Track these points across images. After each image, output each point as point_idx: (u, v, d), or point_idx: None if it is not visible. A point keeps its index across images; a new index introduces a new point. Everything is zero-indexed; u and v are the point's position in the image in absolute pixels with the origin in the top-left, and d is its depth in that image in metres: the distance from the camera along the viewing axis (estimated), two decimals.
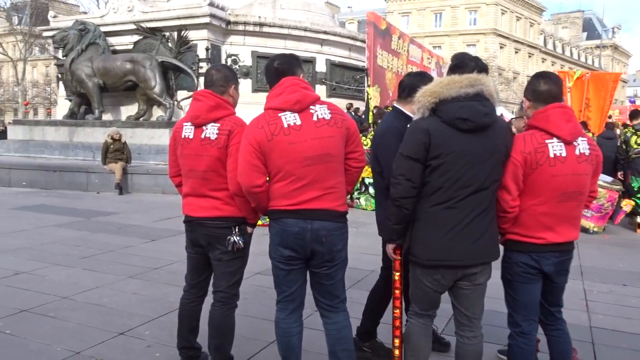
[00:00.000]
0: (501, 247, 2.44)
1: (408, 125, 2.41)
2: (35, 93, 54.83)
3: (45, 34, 15.93)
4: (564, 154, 2.30)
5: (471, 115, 2.19)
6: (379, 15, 13.82)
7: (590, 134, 9.45)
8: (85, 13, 34.93)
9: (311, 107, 2.36)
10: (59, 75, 14.45)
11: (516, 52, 53.30)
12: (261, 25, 12.85)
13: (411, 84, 2.74)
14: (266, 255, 2.55)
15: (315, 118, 2.34)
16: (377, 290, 3.10)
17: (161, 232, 6.39)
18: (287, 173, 2.32)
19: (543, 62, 57.34)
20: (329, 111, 2.37)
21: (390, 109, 9.81)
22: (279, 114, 2.33)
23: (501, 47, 50.69)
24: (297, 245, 2.35)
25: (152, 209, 8.19)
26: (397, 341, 2.58)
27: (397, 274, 2.55)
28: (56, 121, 13.72)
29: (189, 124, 2.57)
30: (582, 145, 2.35)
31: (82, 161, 11.35)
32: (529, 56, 55.34)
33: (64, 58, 12.68)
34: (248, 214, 2.54)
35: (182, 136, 2.58)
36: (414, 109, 2.43)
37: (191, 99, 10.19)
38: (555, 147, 2.30)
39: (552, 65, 57.63)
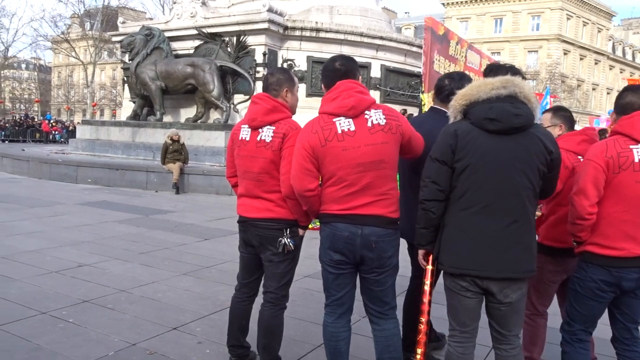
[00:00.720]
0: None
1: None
2: (103, 95, 57.75)
3: (114, 39, 16.80)
4: None
5: (499, 115, 2.10)
6: (437, 21, 13.58)
7: None
8: (151, 19, 36.46)
9: (366, 112, 2.35)
10: (125, 78, 15.15)
11: (581, 59, 51.03)
12: (318, 30, 12.97)
13: (451, 87, 2.72)
14: (315, 258, 2.57)
15: (369, 124, 2.33)
16: (409, 301, 3.03)
17: (214, 231, 6.56)
18: (340, 178, 2.33)
19: (611, 69, 54.63)
20: (384, 116, 2.35)
21: None
22: (334, 119, 2.35)
23: (565, 54, 48.69)
24: (347, 250, 2.35)
25: (206, 208, 8.42)
26: (419, 352, 2.45)
27: (427, 282, 2.47)
28: (120, 122, 14.38)
29: (247, 126, 2.63)
30: None
31: (143, 161, 11.82)
32: (596, 63, 52.83)
33: (130, 62, 13.28)
34: (300, 216, 2.57)
35: (240, 138, 2.65)
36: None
37: (248, 102, 10.44)
38: None
39: (621, 72, 54.76)
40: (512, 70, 2.40)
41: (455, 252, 2.20)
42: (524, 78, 2.37)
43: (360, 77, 2.50)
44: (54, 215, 7.16)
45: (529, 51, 48.22)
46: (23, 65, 68.76)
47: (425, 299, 2.50)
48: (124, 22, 15.88)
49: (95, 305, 3.72)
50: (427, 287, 2.49)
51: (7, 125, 33.46)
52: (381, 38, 13.57)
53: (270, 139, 2.53)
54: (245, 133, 2.63)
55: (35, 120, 39.75)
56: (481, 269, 2.15)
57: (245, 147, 2.61)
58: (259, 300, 2.79)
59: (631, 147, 2.25)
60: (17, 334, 3.15)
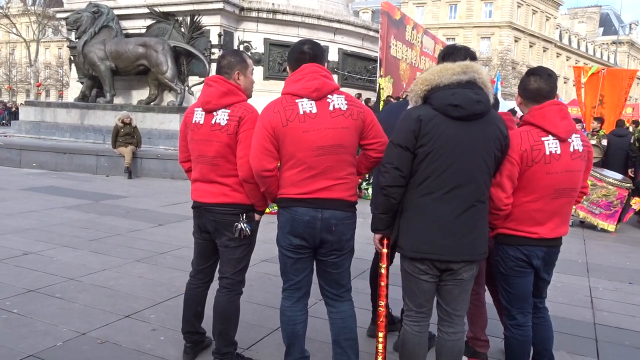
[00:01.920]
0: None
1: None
2: (48, 75, 55.06)
3: (58, 15, 15.95)
4: (558, 152, 2.32)
5: (462, 102, 2.13)
6: (394, 5, 13.68)
7: (602, 132, 9.34)
8: None
9: (329, 96, 2.33)
10: (72, 58, 14.48)
11: (531, 46, 52.68)
12: (274, 12, 12.77)
13: None
14: (272, 243, 2.55)
15: (331, 108, 2.31)
16: (375, 276, 3.08)
17: (169, 217, 6.42)
18: (299, 161, 2.31)
19: (558, 56, 56.65)
20: (346, 102, 2.35)
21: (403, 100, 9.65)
22: (296, 100, 2.32)
23: (516, 41, 50.11)
24: (307, 234, 2.35)
25: (160, 193, 8.23)
26: (381, 336, 2.52)
27: (384, 266, 2.50)
28: (67, 103, 13.77)
29: (200, 109, 2.56)
30: (575, 142, 2.37)
31: (93, 144, 11.42)
32: (544, 50, 54.67)
33: (77, 40, 12.70)
34: (257, 201, 2.53)
35: (193, 121, 2.58)
36: None
37: (202, 84, 10.24)
38: (551, 145, 2.32)
39: (567, 60, 56.91)
40: (468, 54, 2.44)
41: (415, 237, 2.23)
42: (476, 60, 2.40)
43: (326, 64, 2.47)
44: None
45: (482, 37, 49.32)
46: None
47: (383, 282, 2.54)
48: None
49: (42, 295, 3.58)
50: (383, 271, 2.52)
51: None
52: (338, 21, 13.52)
53: (226, 122, 2.48)
54: (199, 116, 2.56)
55: None
56: (441, 253, 2.19)
57: (199, 130, 2.54)
58: (214, 285, 2.75)
59: (543, 139, 2.32)
60: None
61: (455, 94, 2.14)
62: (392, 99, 9.86)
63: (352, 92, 12.72)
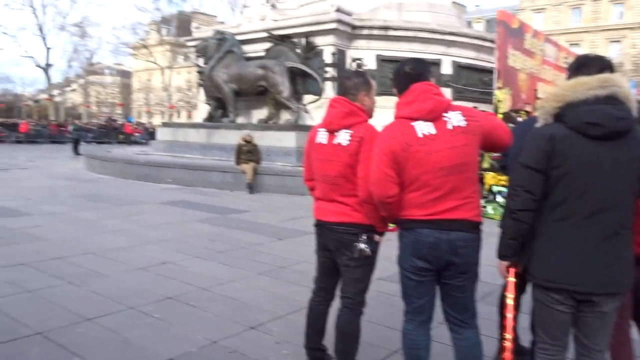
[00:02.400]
0: None
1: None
2: (179, 97, 60.34)
3: (189, 43, 17.47)
4: None
5: (602, 120, 1.93)
6: (511, 14, 13.05)
7: None
8: (222, 23, 37.64)
9: (444, 114, 2.29)
10: (200, 81, 15.74)
11: None
12: (386, 28, 12.83)
13: None
14: (390, 260, 2.53)
15: (450, 126, 2.26)
16: (503, 305, 2.91)
17: (288, 231, 6.66)
18: (423, 183, 2.27)
19: None
20: (464, 118, 2.29)
21: (523, 112, 9.14)
22: (412, 123, 2.30)
23: None
24: (432, 256, 2.30)
25: (279, 208, 8.57)
26: None
27: (511, 296, 2.35)
28: (197, 124, 14.95)
29: (324, 129, 2.64)
30: None
31: (218, 161, 12.22)
32: None
33: (205, 65, 13.77)
34: (377, 222, 2.53)
35: (316, 141, 2.66)
36: None
37: (318, 102, 10.52)
38: None
39: None
40: (603, 64, 2.20)
41: (550, 265, 2.07)
42: (613, 72, 2.18)
43: (432, 79, 2.43)
44: (138, 214, 7.57)
45: (611, 41, 45.14)
46: (107, 71, 73.30)
47: (510, 314, 2.39)
48: (197, 27, 16.55)
49: (178, 302, 3.88)
50: (510, 302, 2.38)
51: (93, 127, 35.83)
52: (452, 34, 13.21)
53: (347, 142, 2.52)
54: (322, 136, 2.63)
55: (118, 122, 42.26)
56: (581, 284, 2.02)
57: (322, 150, 2.61)
58: (336, 303, 2.79)
59: None
60: (108, 327, 3.34)
61: (593, 110, 1.97)
62: (512, 114, 9.34)
63: (467, 105, 12.28)
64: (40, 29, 43.03)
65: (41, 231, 6.12)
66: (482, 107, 12.86)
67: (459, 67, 13.37)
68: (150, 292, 4.08)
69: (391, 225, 2.58)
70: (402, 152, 2.28)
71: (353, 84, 2.61)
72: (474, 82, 13.67)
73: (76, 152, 20.83)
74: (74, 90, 69.94)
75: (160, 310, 3.70)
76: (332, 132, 2.59)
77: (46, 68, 43.97)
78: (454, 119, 2.27)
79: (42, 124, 35.22)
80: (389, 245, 2.45)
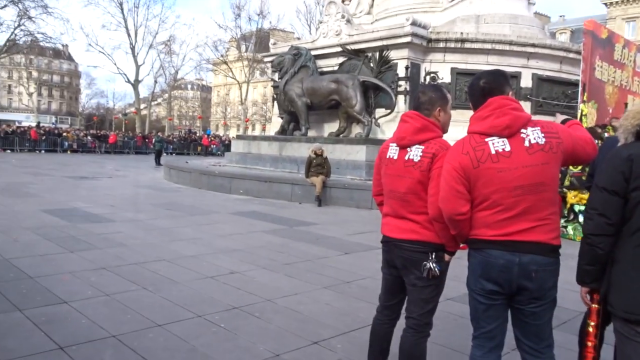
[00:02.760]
0: None
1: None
2: (254, 111, 62.29)
3: (266, 59, 18.02)
4: None
5: None
6: (599, 24, 12.30)
7: None
8: (298, 39, 38.55)
9: (522, 130, 2.16)
10: (274, 96, 16.16)
11: None
12: (463, 41, 12.54)
13: None
14: (458, 280, 2.42)
15: (527, 143, 2.13)
16: (584, 334, 2.68)
17: (354, 246, 6.60)
18: (494, 202, 2.15)
19: None
20: (543, 134, 2.14)
21: (610, 128, 8.54)
22: (486, 139, 2.19)
23: None
24: (502, 279, 2.16)
25: (346, 222, 8.54)
26: None
27: (592, 324, 2.16)
28: (269, 137, 15.34)
29: (395, 144, 2.58)
30: None
31: (289, 173, 12.44)
32: None
33: (280, 80, 14.12)
34: (447, 241, 2.43)
35: (387, 156, 2.60)
36: None
37: (389, 116, 10.41)
38: None
39: None
40: None
41: (630, 295, 1.90)
42: None
43: (510, 92, 2.30)
44: (210, 224, 7.82)
45: None
46: (189, 86, 77.25)
47: (590, 343, 2.20)
48: (275, 43, 17.00)
49: (244, 313, 3.93)
50: (591, 329, 2.19)
51: (174, 139, 37.79)
52: (532, 45, 12.68)
53: (419, 158, 2.45)
54: (393, 151, 2.57)
55: (197, 135, 44.27)
56: None
57: (393, 165, 2.55)
58: (401, 323, 2.70)
59: None
60: (177, 334, 3.44)
61: None
62: (598, 129, 8.76)
63: (547, 119, 11.69)
64: (132, 48, 46.30)
65: (122, 237, 6.48)
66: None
67: (539, 79, 12.79)
68: (218, 301, 4.17)
69: (462, 244, 2.47)
70: (472, 169, 2.18)
71: (428, 99, 2.54)
72: (556, 95, 13.01)
73: (158, 162, 22.02)
74: (158, 104, 74.27)
75: (226, 319, 3.76)
76: (403, 147, 2.53)
77: (135, 84, 47.14)
78: (533, 135, 2.14)
79: (128, 135, 37.64)
80: (459, 263, 2.34)
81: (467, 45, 12.54)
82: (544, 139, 2.13)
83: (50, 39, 39.05)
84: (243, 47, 50.41)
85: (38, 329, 3.39)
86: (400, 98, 12.50)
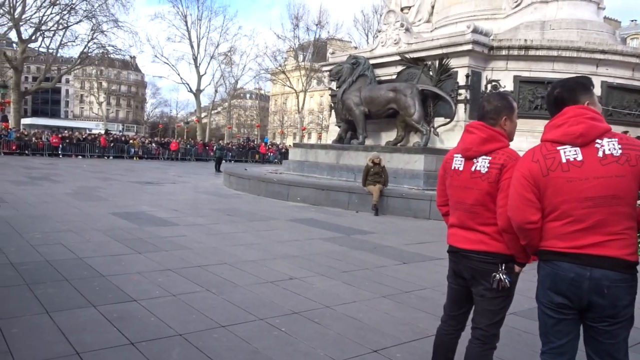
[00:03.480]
0: None
1: None
2: (311, 119, 62.98)
3: (323, 68, 18.23)
4: None
5: None
6: None
7: None
8: (356, 48, 38.73)
9: (597, 140, 2.08)
10: (332, 104, 16.29)
11: None
12: (526, 48, 12.18)
13: None
14: (522, 295, 2.37)
15: (600, 154, 2.06)
16: None
17: (413, 255, 6.53)
18: (564, 213, 2.09)
19: None
20: (620, 146, 2.06)
21: None
22: (558, 147, 2.13)
23: None
24: (572, 293, 2.09)
25: (404, 231, 8.46)
26: None
27: None
28: (326, 145, 15.46)
29: (460, 155, 2.56)
30: None
31: (345, 182, 12.48)
32: None
33: (337, 89, 14.23)
34: (517, 252, 2.37)
35: (452, 167, 2.57)
36: None
37: (448, 125, 10.27)
38: None
39: None
40: None
41: None
42: None
43: (588, 101, 2.22)
44: (269, 230, 7.97)
45: None
46: (247, 95, 79.21)
47: None
48: (333, 53, 17.16)
49: (303, 318, 3.98)
50: None
51: (233, 147, 38.82)
52: (602, 52, 12.12)
53: (486, 169, 2.41)
54: (458, 163, 2.55)
55: (255, 143, 45.26)
56: None
57: (459, 177, 2.53)
58: (466, 333, 2.65)
59: None
60: (240, 335, 3.54)
61: None
62: None
63: (618, 129, 11.13)
64: (195, 59, 48.14)
65: (185, 240, 6.73)
66: (636, 131, 11.55)
67: (609, 87, 12.19)
68: (278, 305, 4.25)
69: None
70: (542, 177, 2.13)
71: (494, 108, 2.50)
72: (627, 104, 12.36)
73: (218, 169, 22.69)
74: (218, 112, 76.61)
75: (286, 323, 3.83)
76: (469, 158, 2.49)
77: (197, 93, 48.92)
78: (608, 146, 2.06)
79: (190, 143, 39.04)
80: (522, 277, 2.28)
81: (532, 52, 12.16)
82: (620, 151, 2.05)
83: (120, 51, 41.39)
84: (301, 57, 51.22)
85: (111, 324, 3.59)
86: (460, 107, 12.28)
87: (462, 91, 12.27)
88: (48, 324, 3.54)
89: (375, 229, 8.52)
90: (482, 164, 2.43)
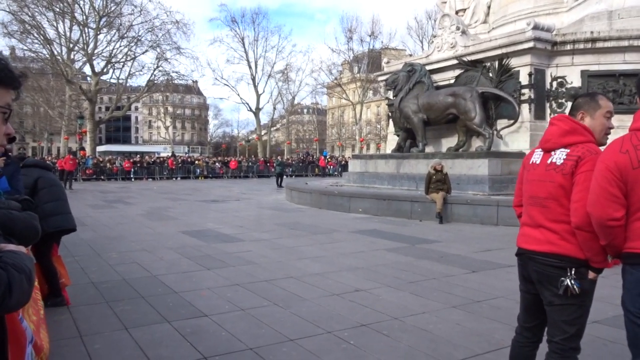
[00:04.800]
0: None
1: None
2: (368, 130, 62.80)
3: (379, 78, 18.19)
4: None
5: None
6: None
7: None
8: (411, 55, 38.36)
9: None
10: (389, 114, 16.18)
11: None
12: (594, 40, 11.57)
13: None
14: (605, 302, 2.22)
15: None
16: None
17: (482, 263, 6.30)
18: None
19: None
20: None
21: None
22: None
23: None
24: None
25: (471, 239, 8.20)
26: None
27: None
28: (386, 155, 15.34)
29: (540, 149, 2.46)
30: None
31: (407, 191, 12.30)
32: None
33: (394, 98, 14.13)
34: (593, 254, 2.21)
35: (530, 162, 2.48)
36: None
37: (512, 127, 9.86)
38: None
39: None
40: None
41: None
42: None
43: None
44: (332, 242, 7.98)
45: None
46: (305, 111, 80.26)
47: None
48: (388, 62, 17.07)
49: (371, 330, 3.93)
50: None
51: (293, 162, 39.40)
52: None
53: (562, 161, 2.28)
54: (536, 156, 2.44)
55: (314, 157, 45.71)
56: None
57: (535, 170, 2.42)
58: (544, 344, 2.51)
59: None
60: (309, 349, 3.54)
61: None
62: None
63: None
64: (253, 79, 49.55)
65: (251, 255, 6.86)
66: None
67: None
68: (345, 318, 4.22)
69: (610, 258, 2.24)
70: (631, 169, 1.98)
71: (576, 104, 2.42)
72: None
73: (279, 184, 23.06)
74: (277, 129, 78.12)
75: (354, 336, 3.79)
76: (547, 151, 2.39)
77: (256, 112, 50.23)
78: None
79: (252, 160, 40.01)
80: (605, 282, 2.13)
81: (599, 44, 11.54)
82: None
83: (183, 77, 43.27)
84: (356, 69, 51.44)
85: (184, 339, 3.70)
86: (525, 107, 11.83)
87: (525, 91, 11.83)
88: (127, 340, 3.70)
89: (440, 238, 8.32)
90: (559, 156, 2.31)
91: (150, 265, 6.24)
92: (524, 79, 11.86)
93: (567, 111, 2.49)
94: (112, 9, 37.23)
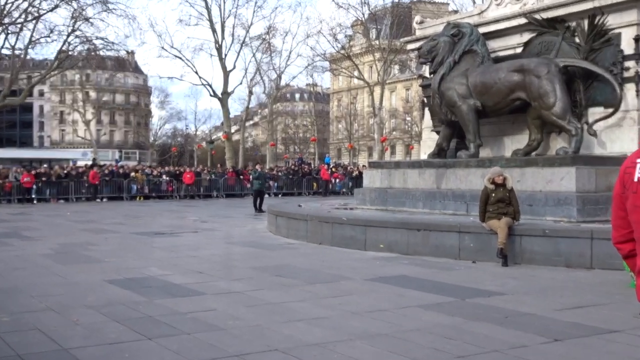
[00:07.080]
0: None
1: None
2: (394, 125, 63.02)
3: (408, 46, 18.27)
4: None
5: None
6: None
7: None
8: (456, 12, 38.64)
9: None
10: (424, 100, 16.23)
11: None
12: None
13: None
14: None
15: None
16: None
17: (568, 327, 6.26)
18: None
19: None
20: None
21: None
22: None
23: None
24: None
25: (552, 289, 8.18)
26: None
27: None
28: (420, 162, 15.35)
29: None
30: None
31: (452, 216, 12.28)
32: None
33: (432, 75, 14.17)
34: None
35: (635, 179, 2.46)
36: None
37: (610, 118, 9.90)
38: None
39: None
40: None
41: None
42: None
43: None
44: (338, 295, 7.93)
45: None
46: (297, 96, 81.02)
47: None
48: (421, 22, 17.15)
49: None
50: None
51: (279, 173, 39.38)
52: None
53: None
54: None
55: (312, 166, 45.80)
56: None
57: None
58: None
59: None
60: None
61: None
62: None
63: None
64: (218, 48, 49.71)
65: (215, 317, 6.80)
66: None
67: None
68: None
69: None
70: None
71: None
72: None
73: (258, 207, 23.03)
74: (255, 124, 78.60)
75: None
76: None
77: (223, 97, 50.36)
78: None
79: (217, 171, 39.99)
80: None
81: None
82: None
83: (112, 45, 43.48)
84: (373, 33, 51.62)
85: None
86: (630, 88, 11.86)
87: (629, 63, 11.87)
88: None
89: (505, 288, 8.29)
90: None
91: (60, 333, 6.18)
92: (628, 45, 11.91)
93: None
94: None
